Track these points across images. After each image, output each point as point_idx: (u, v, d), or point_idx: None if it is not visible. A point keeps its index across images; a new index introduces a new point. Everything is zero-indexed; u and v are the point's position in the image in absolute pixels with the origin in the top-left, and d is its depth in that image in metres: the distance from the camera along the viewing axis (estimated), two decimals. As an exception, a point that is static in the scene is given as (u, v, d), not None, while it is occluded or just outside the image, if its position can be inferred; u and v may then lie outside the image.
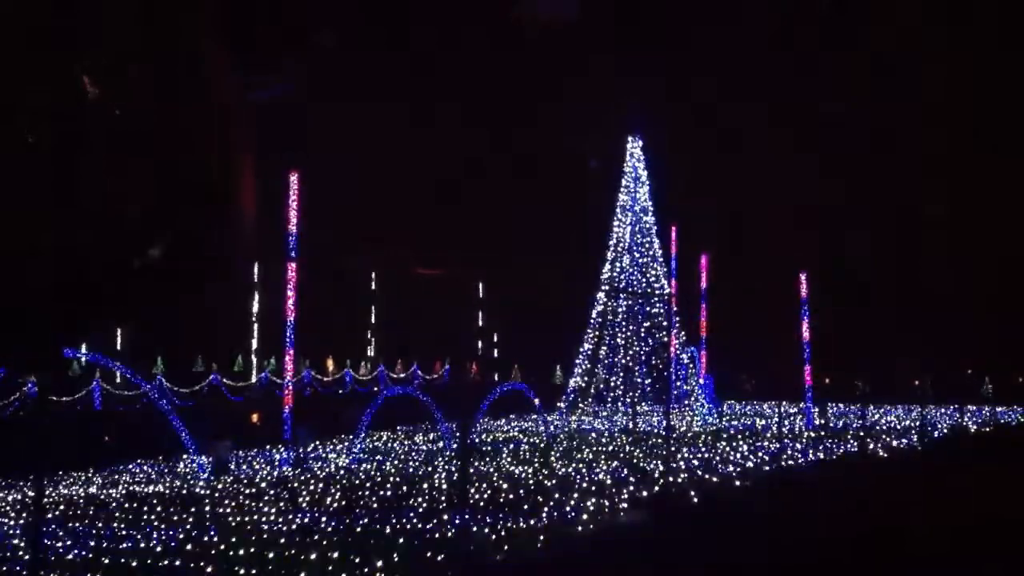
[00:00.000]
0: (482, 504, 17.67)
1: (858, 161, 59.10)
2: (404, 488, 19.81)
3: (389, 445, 31.27)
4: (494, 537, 14.44)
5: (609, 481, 20.65)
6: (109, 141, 42.84)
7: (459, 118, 55.69)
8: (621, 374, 47.70)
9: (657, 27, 58.16)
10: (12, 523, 16.98)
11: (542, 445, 29.94)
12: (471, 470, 22.27)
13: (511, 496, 18.57)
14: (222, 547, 13.95)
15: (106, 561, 13.38)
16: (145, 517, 17.28)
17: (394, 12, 53.39)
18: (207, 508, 18.18)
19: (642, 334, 48.14)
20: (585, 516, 16.29)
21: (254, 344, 47.13)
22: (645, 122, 51.09)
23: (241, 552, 13.44)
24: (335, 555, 12.98)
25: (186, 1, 46.62)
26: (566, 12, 55.26)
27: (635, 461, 24.98)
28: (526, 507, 17.31)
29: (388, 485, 20.26)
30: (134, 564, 13.06)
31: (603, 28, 59.92)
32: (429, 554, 13.09)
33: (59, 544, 14.58)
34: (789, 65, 57.23)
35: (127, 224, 42.22)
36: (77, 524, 16.64)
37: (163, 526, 16.32)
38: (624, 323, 48.24)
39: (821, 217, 59.26)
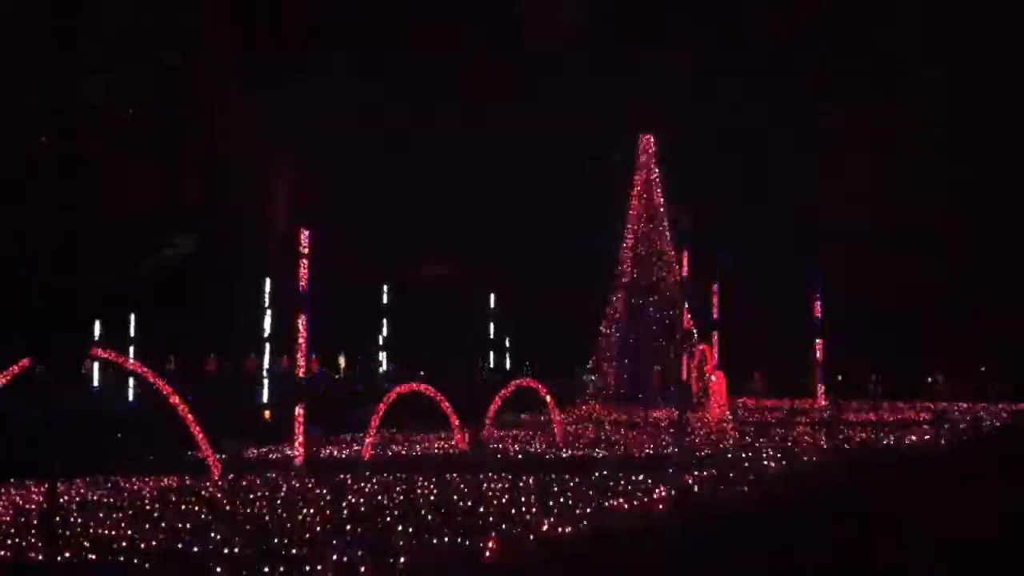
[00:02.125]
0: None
1: (861, 159, 58.93)
2: None
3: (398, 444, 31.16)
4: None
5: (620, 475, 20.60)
6: (111, 140, 43.02)
7: (464, 118, 55.63)
8: (635, 371, 47.62)
9: (663, 26, 58.06)
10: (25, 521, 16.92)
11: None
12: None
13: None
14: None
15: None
16: (155, 515, 17.24)
17: (396, 13, 53.36)
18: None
19: (655, 331, 48.03)
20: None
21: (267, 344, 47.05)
22: (657, 120, 51.04)
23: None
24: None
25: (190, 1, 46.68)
26: (575, 16, 55.20)
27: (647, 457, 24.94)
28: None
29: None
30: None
31: (612, 26, 59.80)
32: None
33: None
34: (791, 64, 57.06)
35: (130, 223, 42.33)
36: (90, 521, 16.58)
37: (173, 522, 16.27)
38: (637, 320, 48.16)
39: (827, 215, 59.16)
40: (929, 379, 53.58)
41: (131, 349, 36.70)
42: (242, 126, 48.60)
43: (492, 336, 54.33)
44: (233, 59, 47.84)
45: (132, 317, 37.77)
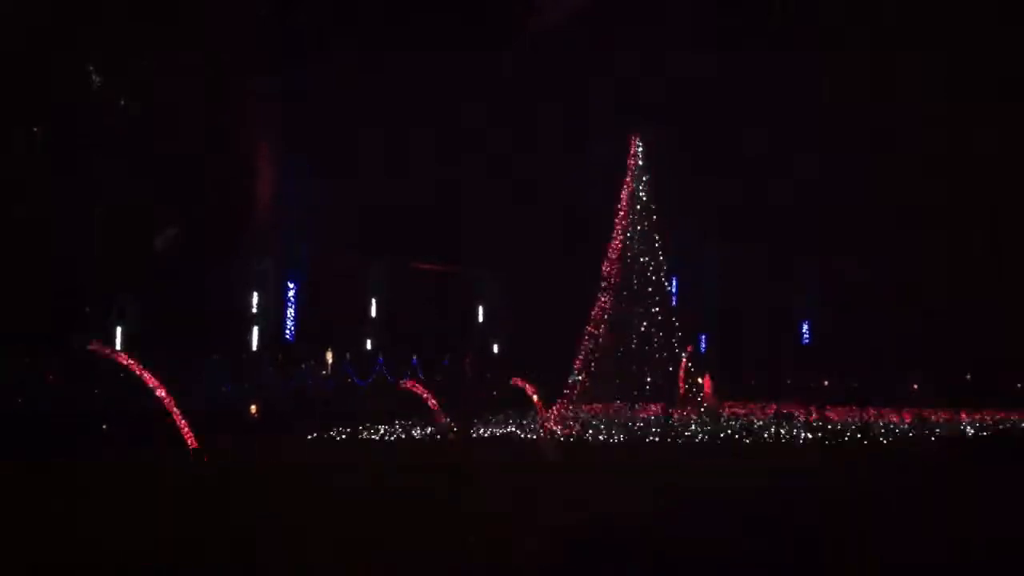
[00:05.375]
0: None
1: (859, 159, 58.99)
2: None
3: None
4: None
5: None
6: (113, 135, 43.02)
7: (458, 114, 55.57)
8: (621, 372, 47.63)
9: (660, 25, 57.96)
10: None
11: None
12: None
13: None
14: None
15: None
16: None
17: (400, 11, 53.22)
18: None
19: (642, 332, 48.09)
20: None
21: (255, 336, 47.23)
22: (648, 120, 51.01)
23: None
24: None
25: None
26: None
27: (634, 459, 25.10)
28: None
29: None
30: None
31: (606, 23, 59.78)
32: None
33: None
34: (789, 65, 57.01)
35: (131, 217, 42.39)
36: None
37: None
38: (625, 321, 48.18)
39: (821, 216, 59.30)
40: (915, 385, 53.77)
41: (118, 342, 36.73)
42: (238, 119, 48.61)
43: (481, 334, 54.56)
44: (233, 49, 47.85)
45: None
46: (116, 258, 41.29)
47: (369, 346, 51.77)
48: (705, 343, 48.72)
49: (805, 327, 50.45)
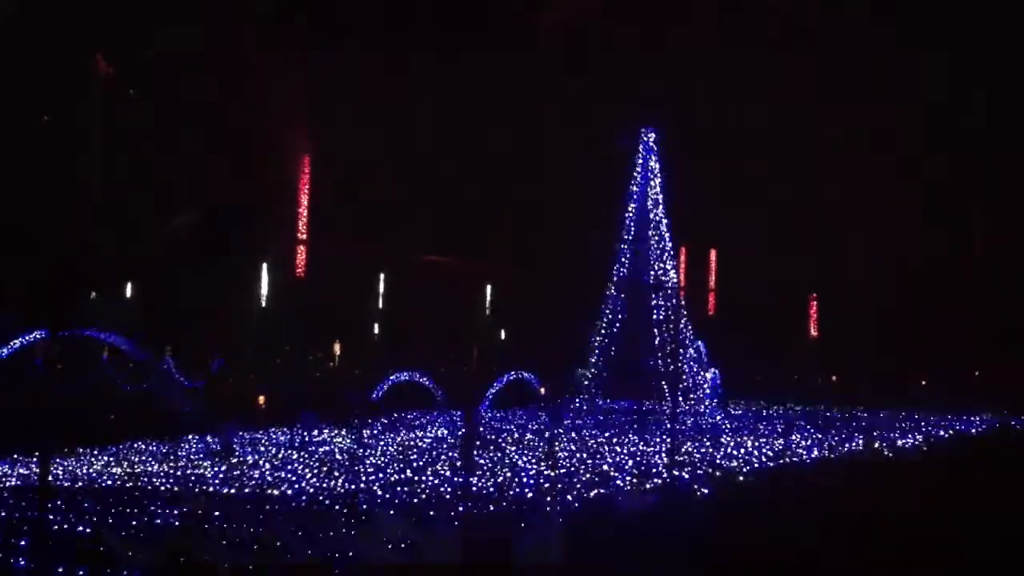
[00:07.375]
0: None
1: (860, 159, 58.97)
2: None
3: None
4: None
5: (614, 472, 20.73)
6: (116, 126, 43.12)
7: (470, 111, 55.51)
8: (630, 366, 47.48)
9: (667, 23, 57.86)
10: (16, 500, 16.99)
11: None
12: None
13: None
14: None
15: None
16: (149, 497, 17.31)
17: (409, 7, 53.10)
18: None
19: (650, 326, 47.90)
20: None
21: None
22: (657, 115, 50.87)
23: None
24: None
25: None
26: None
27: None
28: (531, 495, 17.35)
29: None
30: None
31: (617, 21, 59.67)
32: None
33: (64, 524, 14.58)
34: (790, 64, 56.90)
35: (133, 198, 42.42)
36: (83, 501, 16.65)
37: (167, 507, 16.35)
38: (632, 315, 48.00)
39: (824, 216, 59.27)
40: (923, 382, 53.62)
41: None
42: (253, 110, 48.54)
43: (488, 327, 54.47)
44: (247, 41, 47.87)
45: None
46: (119, 251, 41.35)
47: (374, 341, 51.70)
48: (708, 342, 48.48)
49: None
